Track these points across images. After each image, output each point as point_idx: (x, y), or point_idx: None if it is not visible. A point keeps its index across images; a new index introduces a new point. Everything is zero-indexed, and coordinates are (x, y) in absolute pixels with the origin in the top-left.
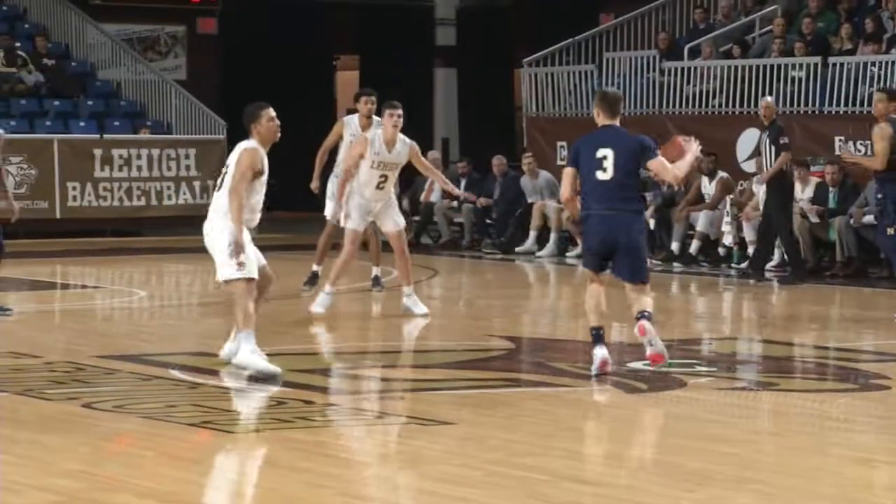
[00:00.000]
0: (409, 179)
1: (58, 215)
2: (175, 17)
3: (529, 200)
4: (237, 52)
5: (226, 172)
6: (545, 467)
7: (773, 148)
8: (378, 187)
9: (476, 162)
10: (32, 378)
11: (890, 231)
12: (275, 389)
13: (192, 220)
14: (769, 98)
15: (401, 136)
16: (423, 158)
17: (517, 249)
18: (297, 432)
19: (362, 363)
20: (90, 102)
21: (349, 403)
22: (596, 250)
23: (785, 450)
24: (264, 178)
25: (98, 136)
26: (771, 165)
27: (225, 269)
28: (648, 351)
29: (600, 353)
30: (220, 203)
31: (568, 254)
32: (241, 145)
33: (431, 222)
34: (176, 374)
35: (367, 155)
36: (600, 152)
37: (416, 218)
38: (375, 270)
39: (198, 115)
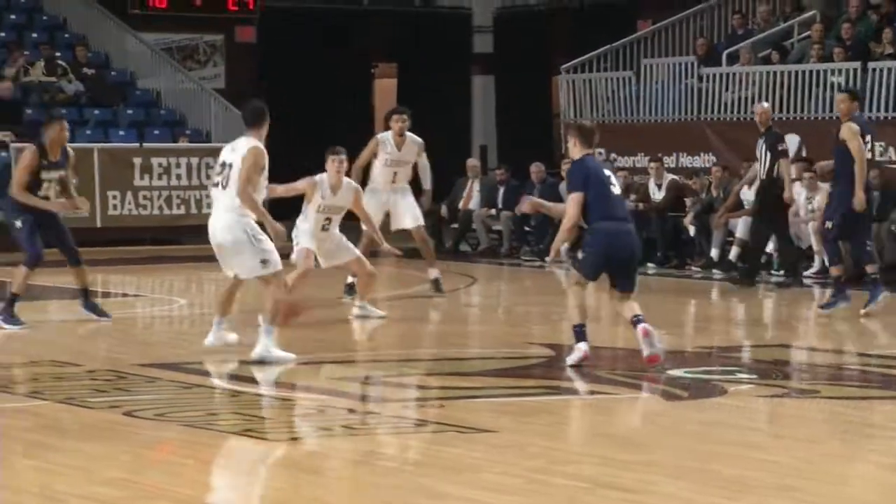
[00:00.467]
0: (448, 186)
1: (98, 224)
2: (213, 26)
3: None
4: (275, 60)
5: (227, 171)
6: (585, 475)
7: (769, 154)
8: (322, 229)
9: (514, 169)
10: (74, 386)
11: (828, 225)
12: (315, 397)
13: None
14: (765, 104)
15: (346, 179)
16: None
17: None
18: (338, 440)
19: (402, 371)
20: (130, 111)
21: (390, 411)
22: (608, 261)
23: (825, 457)
24: (266, 175)
25: (138, 144)
26: (766, 171)
27: (250, 266)
28: (648, 352)
29: (584, 346)
30: (227, 201)
31: None
32: (245, 143)
33: (470, 230)
34: (216, 382)
35: (314, 200)
36: (607, 171)
37: (455, 225)
38: (434, 273)
39: (237, 123)
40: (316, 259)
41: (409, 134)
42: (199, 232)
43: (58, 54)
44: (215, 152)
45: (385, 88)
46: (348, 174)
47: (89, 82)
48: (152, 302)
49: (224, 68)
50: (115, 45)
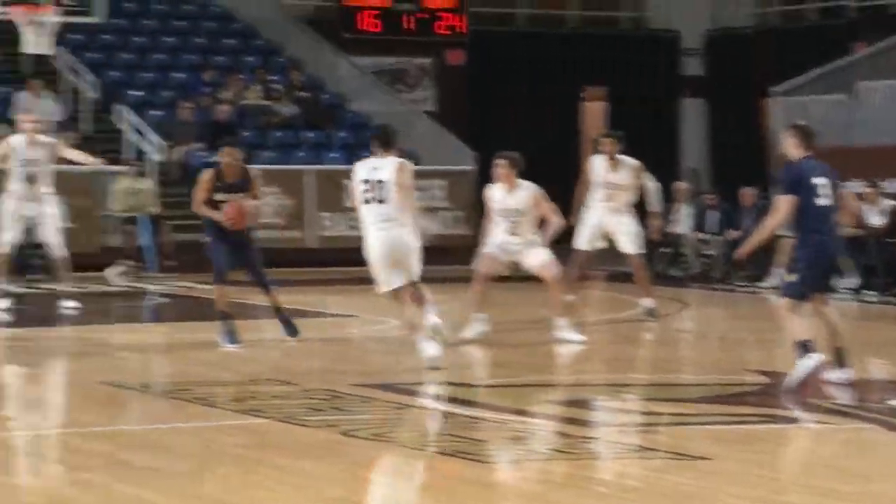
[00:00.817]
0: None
1: (311, 244)
2: (424, 49)
3: (778, 233)
4: (485, 83)
5: (381, 187)
6: None
7: None
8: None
9: (727, 193)
10: (292, 405)
11: None
12: (529, 421)
13: (444, 250)
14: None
15: (520, 181)
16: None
17: (762, 286)
18: (552, 464)
19: (614, 395)
20: (342, 134)
21: (605, 436)
22: (825, 272)
23: None
24: None
25: (350, 166)
26: None
27: (416, 270)
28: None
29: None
30: (390, 213)
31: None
32: (391, 160)
33: (681, 254)
34: (430, 403)
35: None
36: (818, 180)
37: (666, 249)
38: (648, 302)
39: (447, 145)
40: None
41: (622, 157)
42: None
43: (273, 78)
44: (426, 175)
45: (594, 112)
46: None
47: (303, 105)
48: (365, 322)
49: (434, 91)
50: (329, 69)
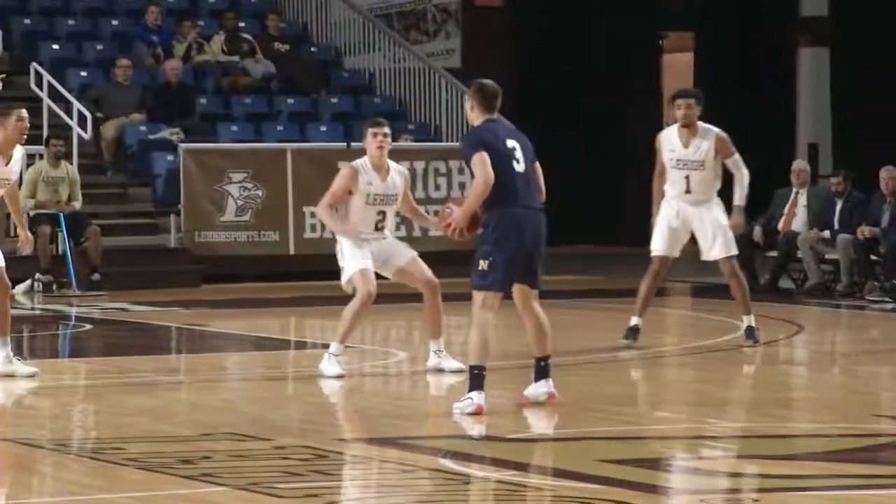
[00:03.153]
0: (763, 200)
1: (291, 250)
2: None
3: None
4: (529, 30)
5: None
6: None
7: None
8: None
9: (858, 176)
10: (259, 468)
11: None
12: (580, 486)
13: (467, 256)
14: None
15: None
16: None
17: None
18: None
19: (700, 450)
20: (334, 100)
21: None
22: None
23: None
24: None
25: (344, 144)
26: None
27: None
28: None
29: None
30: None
31: None
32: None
33: (795, 259)
34: (447, 463)
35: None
36: None
37: (773, 253)
38: (748, 319)
39: None
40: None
41: (701, 125)
42: (425, 260)
43: (242, 24)
44: (448, 154)
45: (677, 66)
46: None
47: (282, 62)
48: (363, 355)
49: (460, 41)
50: (317, 13)
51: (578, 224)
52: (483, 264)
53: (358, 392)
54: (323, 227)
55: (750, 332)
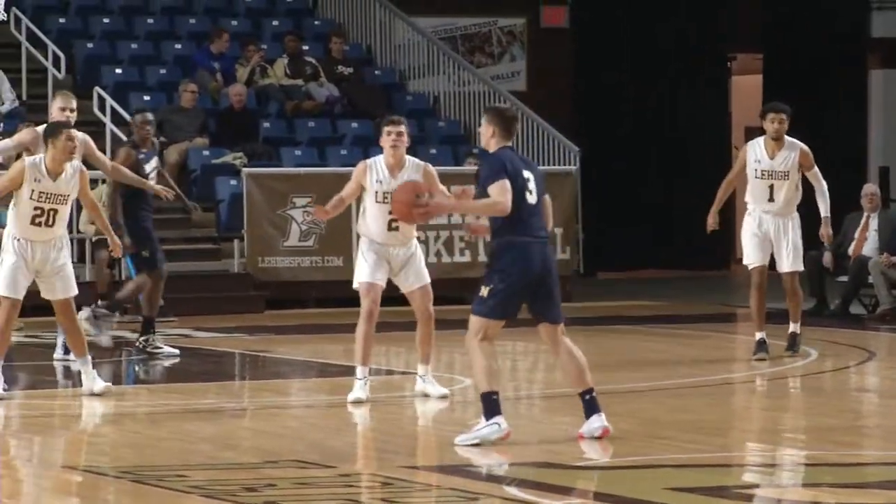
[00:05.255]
0: (836, 226)
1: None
2: (512, 6)
3: None
4: (594, 52)
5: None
6: None
7: None
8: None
9: None
10: (323, 496)
11: None
12: None
13: None
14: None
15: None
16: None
17: None
18: None
19: (771, 478)
20: None
21: None
22: None
23: None
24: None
25: None
26: None
27: None
28: None
29: None
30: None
31: None
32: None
33: (865, 284)
34: (513, 491)
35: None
36: None
37: (844, 278)
38: (793, 327)
39: (541, 137)
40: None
41: (787, 138)
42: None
43: (305, 48)
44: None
45: (746, 88)
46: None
47: (346, 85)
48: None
49: (525, 63)
50: (381, 35)
51: (645, 248)
52: (484, 291)
53: (424, 419)
54: None
55: (793, 340)
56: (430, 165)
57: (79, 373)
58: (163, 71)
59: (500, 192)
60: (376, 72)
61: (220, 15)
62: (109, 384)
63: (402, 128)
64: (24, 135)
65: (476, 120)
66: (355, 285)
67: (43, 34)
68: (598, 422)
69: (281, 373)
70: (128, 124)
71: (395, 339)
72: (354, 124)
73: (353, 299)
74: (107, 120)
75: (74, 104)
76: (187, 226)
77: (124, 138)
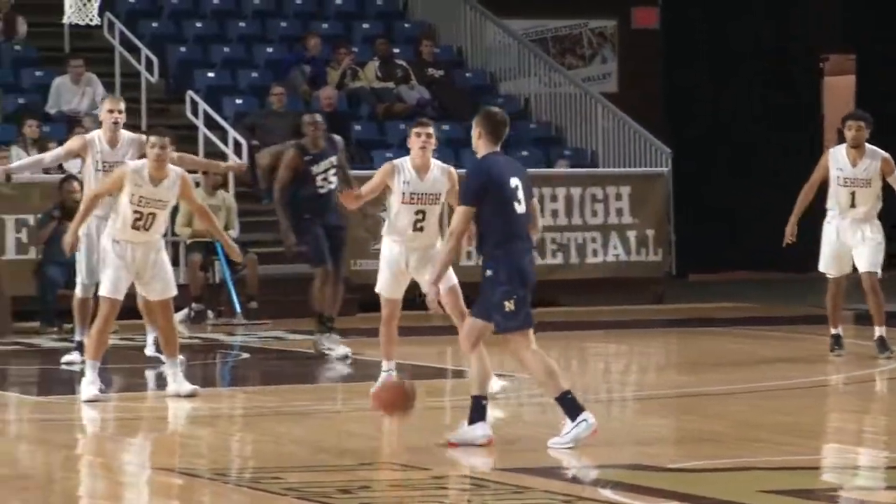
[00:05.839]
0: None
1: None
2: (603, 8)
3: None
4: (685, 53)
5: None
6: None
7: None
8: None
9: None
10: (417, 498)
11: None
12: None
13: (626, 283)
14: None
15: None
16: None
17: None
18: None
19: (865, 481)
20: None
21: None
22: None
23: None
24: None
25: None
26: None
27: None
28: None
29: None
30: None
31: None
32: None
33: None
34: (608, 494)
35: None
36: None
37: None
38: (879, 331)
39: (633, 140)
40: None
41: (868, 146)
42: (581, 289)
43: (395, 51)
44: (605, 180)
45: (838, 89)
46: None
47: (436, 87)
48: (520, 384)
49: (616, 65)
50: (471, 37)
51: (733, 250)
52: (510, 305)
53: (517, 421)
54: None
55: (882, 343)
56: (454, 170)
57: (165, 374)
58: (255, 74)
59: (458, 220)
60: (467, 74)
61: (311, 18)
62: (197, 387)
63: (431, 129)
64: (72, 142)
65: (568, 122)
66: (377, 288)
67: (136, 38)
68: (587, 418)
69: (374, 375)
70: (220, 128)
71: (488, 341)
72: (445, 126)
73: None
74: (199, 123)
75: (122, 106)
76: (279, 229)
77: (217, 142)
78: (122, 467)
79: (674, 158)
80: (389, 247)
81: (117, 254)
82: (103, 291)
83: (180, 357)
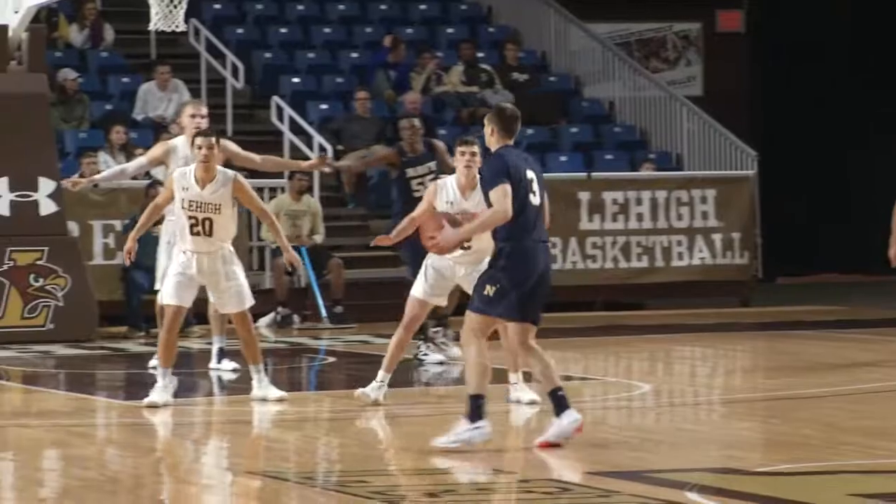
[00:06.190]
0: None
1: None
2: (687, 11)
3: None
4: (773, 56)
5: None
6: None
7: None
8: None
9: None
10: (502, 501)
11: None
12: None
13: (713, 286)
14: None
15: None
16: None
17: None
18: None
19: None
20: (574, 129)
21: None
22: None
23: None
24: None
25: (584, 174)
26: None
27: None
28: None
29: None
30: None
31: None
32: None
33: None
34: (695, 497)
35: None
36: None
37: None
38: None
39: (719, 143)
40: None
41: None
42: (667, 292)
43: (480, 55)
44: (690, 183)
45: None
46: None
47: (521, 92)
48: (605, 388)
49: (701, 69)
50: (555, 41)
51: (825, 252)
52: (490, 290)
53: (602, 424)
54: (563, 256)
55: None
56: None
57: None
58: (340, 80)
59: (500, 198)
60: (551, 78)
61: (396, 23)
62: (285, 393)
63: (476, 148)
64: (155, 150)
65: (653, 125)
66: (414, 295)
67: (222, 44)
68: (569, 417)
69: (461, 378)
70: (305, 133)
71: (574, 345)
72: (530, 131)
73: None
74: (284, 129)
75: (205, 111)
76: (365, 233)
77: (302, 147)
78: (209, 471)
79: (760, 161)
80: (434, 262)
81: (181, 263)
82: (164, 299)
83: (263, 363)
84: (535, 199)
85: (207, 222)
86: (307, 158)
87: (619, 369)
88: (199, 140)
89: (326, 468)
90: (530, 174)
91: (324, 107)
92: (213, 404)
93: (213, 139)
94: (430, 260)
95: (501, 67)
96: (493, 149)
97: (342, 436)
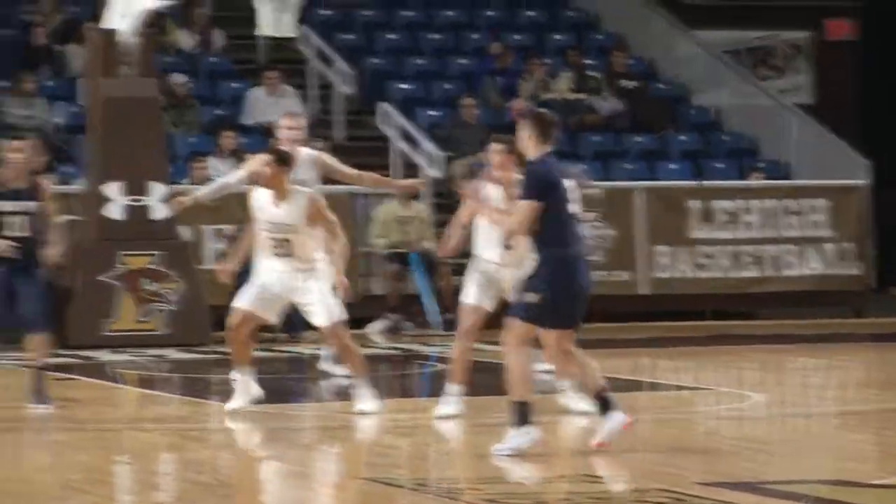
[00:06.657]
0: None
1: (643, 290)
2: (796, 19)
3: None
4: (885, 64)
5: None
6: None
7: None
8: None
9: None
10: None
11: None
12: None
13: (825, 296)
14: None
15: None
16: None
17: None
18: None
19: None
20: (682, 137)
21: None
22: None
23: None
24: None
25: (694, 182)
26: None
27: None
28: None
29: None
30: None
31: None
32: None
33: None
34: None
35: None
36: None
37: None
38: None
39: (830, 151)
40: None
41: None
42: (778, 302)
43: (588, 62)
44: (800, 192)
45: None
46: None
47: (630, 99)
48: (717, 397)
49: (811, 77)
50: (664, 49)
51: None
52: (532, 297)
53: (715, 434)
54: (673, 265)
55: None
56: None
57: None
58: (448, 86)
59: (519, 213)
60: (659, 85)
61: (504, 29)
62: (381, 402)
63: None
64: (251, 164)
65: (761, 134)
66: (466, 301)
67: (330, 50)
68: (619, 416)
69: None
70: (413, 139)
71: (684, 354)
72: (639, 138)
73: (639, 314)
74: (393, 135)
75: (301, 122)
76: None
77: (410, 153)
78: (321, 476)
79: (875, 170)
80: (478, 266)
81: (263, 277)
82: (235, 301)
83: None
84: (573, 208)
85: (286, 243)
86: (414, 165)
87: (731, 379)
88: (265, 158)
89: (438, 475)
90: (567, 182)
91: (432, 113)
92: (326, 410)
93: (273, 157)
94: (472, 267)
95: (609, 74)
96: (529, 155)
97: (455, 442)
